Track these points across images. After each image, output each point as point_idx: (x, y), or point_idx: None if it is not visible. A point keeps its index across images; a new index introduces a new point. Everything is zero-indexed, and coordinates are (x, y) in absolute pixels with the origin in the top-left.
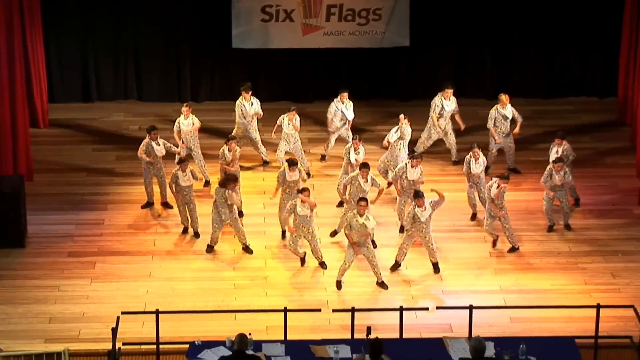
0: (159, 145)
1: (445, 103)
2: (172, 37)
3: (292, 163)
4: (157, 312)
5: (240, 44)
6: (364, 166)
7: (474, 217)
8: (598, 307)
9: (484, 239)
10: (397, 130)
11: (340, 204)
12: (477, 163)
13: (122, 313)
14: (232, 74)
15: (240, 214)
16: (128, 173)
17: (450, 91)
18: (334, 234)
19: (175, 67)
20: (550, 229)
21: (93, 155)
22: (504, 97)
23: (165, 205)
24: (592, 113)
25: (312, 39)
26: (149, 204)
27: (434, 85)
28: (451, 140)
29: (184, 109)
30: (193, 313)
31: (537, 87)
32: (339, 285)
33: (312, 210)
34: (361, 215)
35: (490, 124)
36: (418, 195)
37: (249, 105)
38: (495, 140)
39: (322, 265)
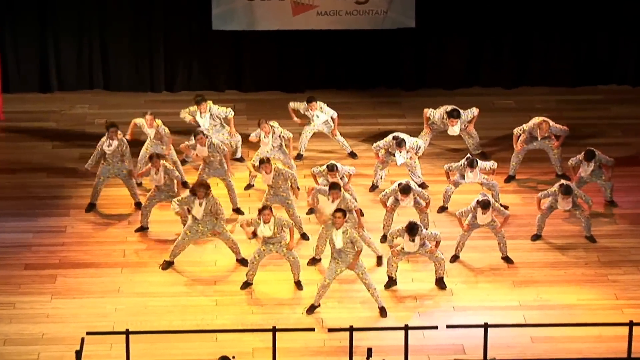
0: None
1: (450, 129)
2: (143, 17)
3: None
4: (127, 333)
5: (221, 25)
6: (334, 187)
7: (442, 209)
8: (631, 324)
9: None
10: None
11: (311, 211)
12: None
13: (88, 334)
14: (212, 59)
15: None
16: (94, 173)
17: (456, 120)
18: (312, 262)
19: (147, 53)
20: (537, 238)
21: (53, 153)
22: (544, 125)
23: (138, 205)
24: (623, 103)
25: (304, 20)
26: (92, 206)
27: (443, 72)
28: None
29: (148, 117)
30: (168, 333)
31: (562, 75)
32: (311, 309)
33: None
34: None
35: (517, 130)
36: (413, 230)
37: (200, 119)
38: (516, 147)
39: (298, 285)
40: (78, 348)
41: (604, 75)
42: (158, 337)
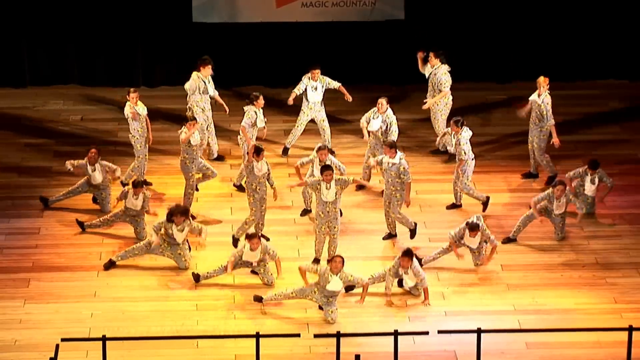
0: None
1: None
2: (120, 9)
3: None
4: (103, 339)
5: (202, 17)
6: (326, 168)
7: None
8: (630, 329)
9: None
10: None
11: (305, 212)
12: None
13: (62, 340)
14: (193, 53)
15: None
16: (68, 173)
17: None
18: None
19: (124, 46)
20: (508, 240)
21: (26, 152)
22: (542, 80)
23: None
24: (622, 98)
25: (288, 12)
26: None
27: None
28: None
29: (133, 94)
30: (147, 339)
31: (557, 68)
32: (257, 298)
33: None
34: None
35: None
36: (408, 254)
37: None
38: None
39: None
40: (52, 355)
41: (601, 69)
42: (136, 343)
